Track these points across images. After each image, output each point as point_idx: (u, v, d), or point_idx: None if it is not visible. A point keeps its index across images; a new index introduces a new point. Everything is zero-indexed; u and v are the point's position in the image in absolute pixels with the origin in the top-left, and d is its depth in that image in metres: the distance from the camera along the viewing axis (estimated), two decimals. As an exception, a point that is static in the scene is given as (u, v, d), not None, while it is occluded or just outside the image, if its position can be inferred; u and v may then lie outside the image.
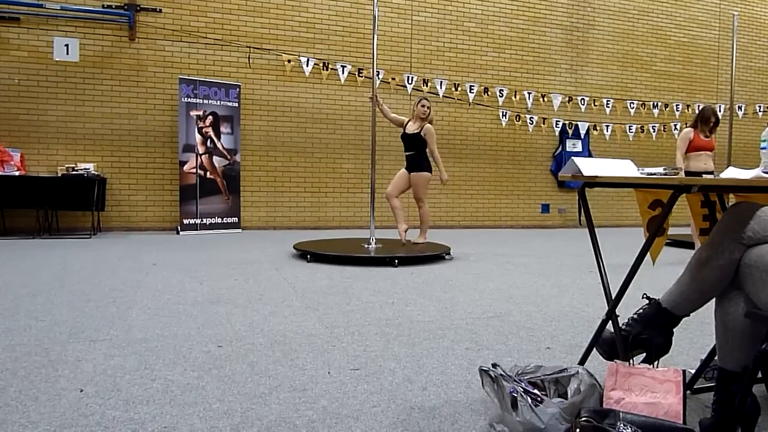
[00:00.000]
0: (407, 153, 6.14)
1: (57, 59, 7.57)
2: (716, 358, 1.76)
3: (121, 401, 2.01)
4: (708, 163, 6.27)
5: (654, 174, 1.84)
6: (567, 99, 10.08)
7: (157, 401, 2.02)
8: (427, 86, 9.19)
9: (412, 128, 6.13)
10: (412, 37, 9.21)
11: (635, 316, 1.88)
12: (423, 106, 6.09)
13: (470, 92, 9.45)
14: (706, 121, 6.27)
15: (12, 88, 7.50)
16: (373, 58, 6.07)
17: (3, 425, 1.80)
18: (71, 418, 1.86)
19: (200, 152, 7.88)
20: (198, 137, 7.87)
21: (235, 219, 8.25)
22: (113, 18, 7.79)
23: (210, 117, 7.95)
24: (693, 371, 2.17)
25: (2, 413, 1.89)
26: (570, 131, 10.13)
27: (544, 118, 9.98)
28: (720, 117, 6.23)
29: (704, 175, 5.85)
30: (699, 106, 10.83)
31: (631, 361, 1.80)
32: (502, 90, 9.65)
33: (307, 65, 8.53)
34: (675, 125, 10.58)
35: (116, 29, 7.85)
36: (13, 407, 1.94)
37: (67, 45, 7.56)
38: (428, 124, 6.08)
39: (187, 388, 2.14)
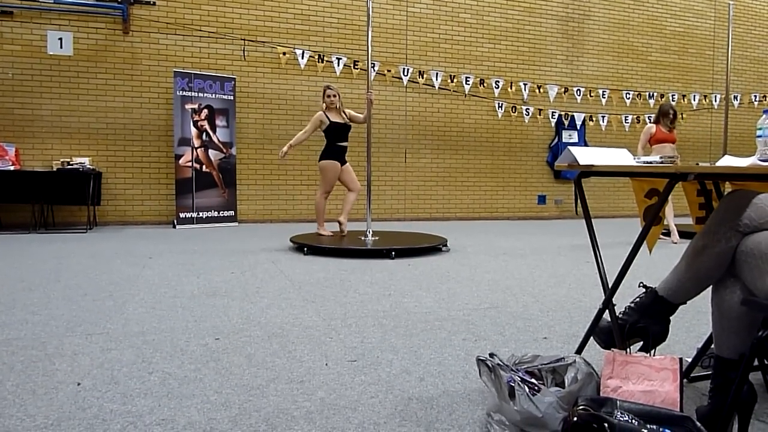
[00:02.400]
0: (345, 145, 6.17)
1: (51, 53, 7.52)
2: (713, 346, 1.77)
3: (118, 394, 2.01)
4: (672, 153, 6.57)
5: (650, 162, 1.84)
6: (563, 90, 10.06)
7: (155, 394, 2.01)
8: (422, 78, 9.17)
9: (342, 118, 6.13)
10: (408, 29, 9.17)
11: (632, 305, 1.88)
12: (329, 96, 6.07)
13: (466, 84, 9.43)
14: (665, 114, 6.77)
15: (6, 83, 7.45)
16: (368, 51, 6.04)
17: (0, 419, 1.80)
18: (69, 411, 1.86)
19: (196, 146, 7.85)
20: (193, 130, 7.83)
21: (232, 212, 8.24)
22: (107, 11, 7.73)
23: (205, 110, 7.92)
24: (690, 359, 2.18)
25: (0, 407, 1.89)
26: (566, 122, 10.12)
27: (540, 110, 9.96)
28: (677, 111, 6.92)
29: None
30: (695, 96, 10.88)
31: (628, 349, 1.81)
32: (498, 81, 9.63)
33: (302, 58, 8.50)
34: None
35: (110, 22, 7.80)
36: (10, 401, 1.94)
37: (60, 39, 7.52)
38: (350, 111, 6.23)
39: (184, 381, 2.14)
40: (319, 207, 6.26)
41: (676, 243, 6.51)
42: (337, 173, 6.16)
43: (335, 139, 6.11)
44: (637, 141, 9.64)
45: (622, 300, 1.98)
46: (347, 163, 6.23)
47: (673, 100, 10.65)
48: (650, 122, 7.02)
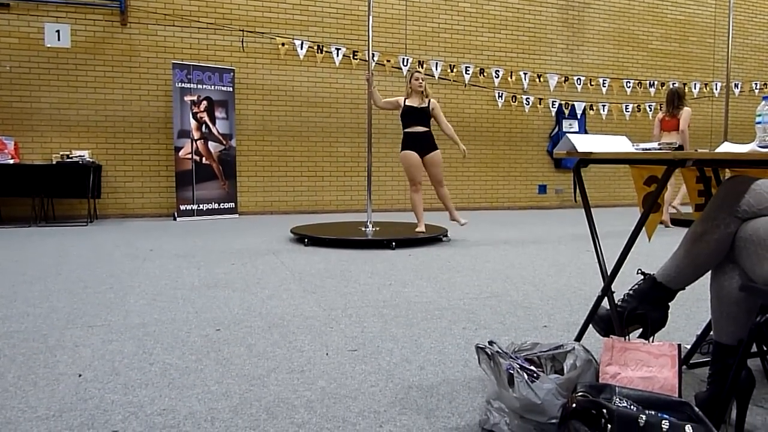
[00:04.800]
0: (419, 131, 5.67)
1: (48, 45, 7.48)
2: (712, 332, 1.77)
3: (119, 385, 2.02)
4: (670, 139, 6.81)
5: (649, 149, 1.83)
6: (563, 79, 10.02)
7: (156, 384, 2.02)
8: (422, 68, 9.12)
9: (418, 102, 5.70)
10: (407, 19, 9.12)
11: (631, 292, 1.88)
12: (417, 79, 5.72)
13: (466, 73, 9.39)
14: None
15: (4, 76, 7.43)
16: (368, 41, 6.01)
17: (2, 410, 1.80)
18: (70, 402, 1.87)
19: (195, 138, 7.84)
20: (193, 122, 7.81)
21: (232, 204, 8.24)
22: (104, 2, 7.69)
23: (204, 102, 7.90)
24: (689, 346, 2.18)
25: (1, 399, 1.89)
26: (566, 111, 10.09)
27: (541, 99, 9.93)
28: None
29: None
30: (696, 84, 10.83)
31: (627, 336, 1.81)
32: (498, 71, 9.59)
33: (302, 48, 8.46)
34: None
35: (107, 14, 7.76)
36: (12, 393, 1.94)
37: (58, 31, 7.48)
38: (432, 99, 5.81)
39: (185, 371, 2.15)
40: (412, 202, 5.88)
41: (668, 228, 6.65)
42: (412, 163, 5.70)
43: (404, 125, 5.75)
44: (638, 129, 9.75)
45: (622, 288, 1.98)
46: (432, 153, 5.74)
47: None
48: (656, 110, 7.09)
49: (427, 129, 5.74)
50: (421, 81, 5.74)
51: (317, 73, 8.72)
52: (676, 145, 1.93)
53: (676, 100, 6.82)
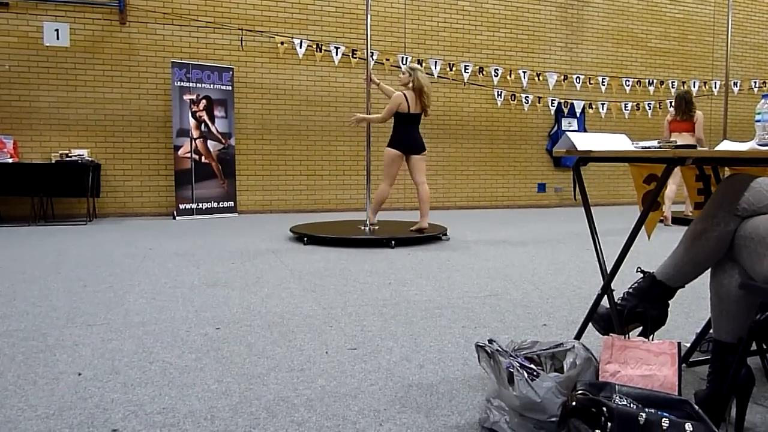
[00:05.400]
0: None
1: (47, 44, 7.47)
2: (711, 330, 1.77)
3: (119, 384, 2.01)
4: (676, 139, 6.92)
5: (648, 147, 1.83)
6: (562, 77, 10.01)
7: (156, 383, 2.02)
8: (421, 66, 9.11)
9: None
10: (406, 17, 9.12)
11: (630, 290, 1.88)
12: (404, 73, 5.77)
13: (465, 72, 9.39)
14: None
15: (3, 75, 7.42)
16: (366, 39, 6.01)
17: (2, 409, 1.80)
18: (70, 401, 1.87)
19: (194, 137, 7.83)
20: (192, 121, 7.81)
21: (231, 203, 8.23)
22: (103, 1, 7.68)
23: (203, 101, 7.89)
24: (689, 344, 2.18)
25: (1, 397, 1.89)
26: (565, 110, 10.09)
27: (540, 97, 9.93)
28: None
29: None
30: (695, 82, 10.84)
31: (627, 335, 1.81)
32: (497, 69, 9.59)
33: (301, 47, 8.45)
34: (670, 102, 10.52)
35: (106, 13, 7.75)
36: (11, 391, 1.94)
37: (57, 30, 7.47)
38: (398, 92, 5.70)
39: (185, 370, 2.15)
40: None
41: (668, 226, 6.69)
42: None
43: None
44: (637, 128, 9.76)
45: (622, 286, 1.98)
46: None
47: (672, 87, 10.61)
48: (656, 108, 7.15)
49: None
50: (401, 76, 5.77)
51: (316, 72, 8.72)
52: (676, 144, 1.93)
53: (684, 104, 6.85)
